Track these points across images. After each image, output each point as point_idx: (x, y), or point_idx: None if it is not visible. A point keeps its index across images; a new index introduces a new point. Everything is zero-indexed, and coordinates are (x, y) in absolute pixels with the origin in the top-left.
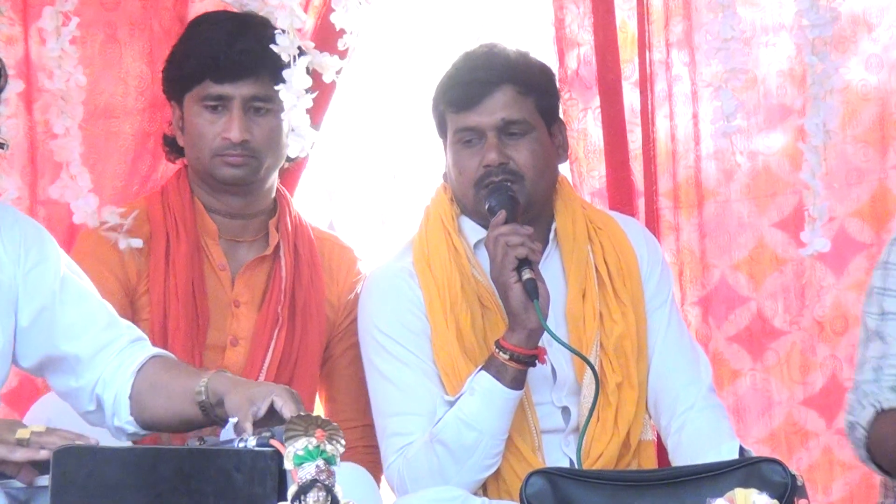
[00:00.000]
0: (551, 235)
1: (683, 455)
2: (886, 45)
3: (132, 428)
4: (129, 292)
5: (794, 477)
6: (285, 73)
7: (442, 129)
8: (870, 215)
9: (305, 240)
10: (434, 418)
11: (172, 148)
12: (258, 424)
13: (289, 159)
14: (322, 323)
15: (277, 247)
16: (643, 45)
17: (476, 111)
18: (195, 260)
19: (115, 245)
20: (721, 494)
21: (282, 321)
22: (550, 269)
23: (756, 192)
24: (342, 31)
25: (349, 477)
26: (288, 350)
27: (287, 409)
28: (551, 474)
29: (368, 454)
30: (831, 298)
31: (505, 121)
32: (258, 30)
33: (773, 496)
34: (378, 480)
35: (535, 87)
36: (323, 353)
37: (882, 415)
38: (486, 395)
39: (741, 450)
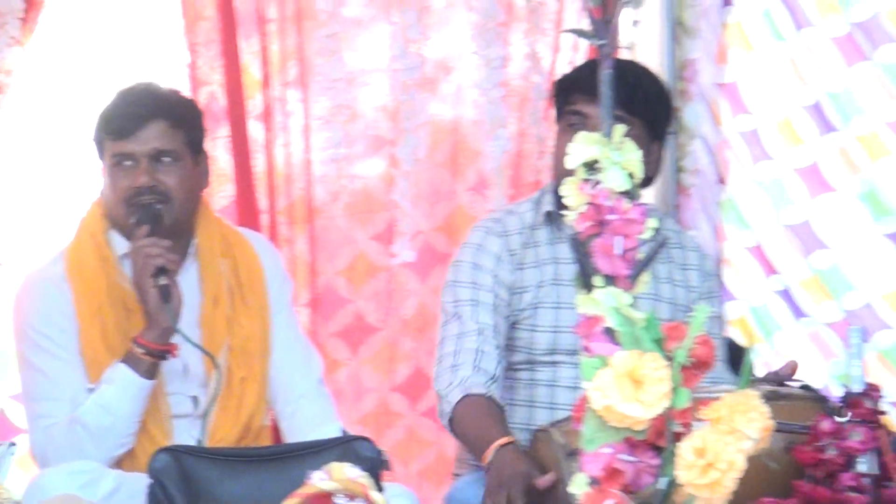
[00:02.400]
0: (191, 250)
1: (294, 436)
2: (461, 86)
3: None
4: None
5: (380, 452)
6: None
7: (101, 153)
8: (448, 230)
9: None
10: (77, 404)
11: None
12: None
13: None
14: None
15: None
16: (265, 84)
17: (132, 140)
18: None
19: None
20: (320, 468)
21: None
22: (189, 279)
23: (357, 210)
24: None
25: None
26: None
27: None
28: (175, 451)
29: None
30: (417, 301)
31: (157, 150)
32: None
33: (363, 469)
34: None
35: (185, 122)
36: None
37: (466, 398)
38: (122, 384)
39: (343, 432)
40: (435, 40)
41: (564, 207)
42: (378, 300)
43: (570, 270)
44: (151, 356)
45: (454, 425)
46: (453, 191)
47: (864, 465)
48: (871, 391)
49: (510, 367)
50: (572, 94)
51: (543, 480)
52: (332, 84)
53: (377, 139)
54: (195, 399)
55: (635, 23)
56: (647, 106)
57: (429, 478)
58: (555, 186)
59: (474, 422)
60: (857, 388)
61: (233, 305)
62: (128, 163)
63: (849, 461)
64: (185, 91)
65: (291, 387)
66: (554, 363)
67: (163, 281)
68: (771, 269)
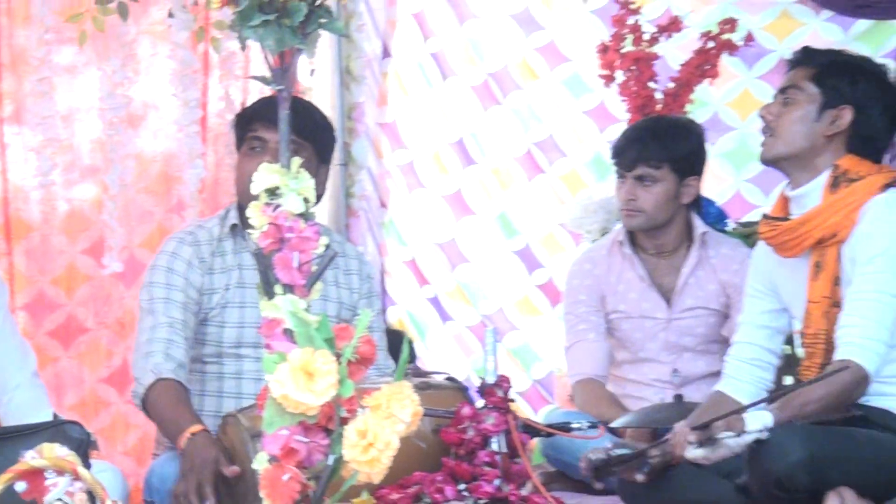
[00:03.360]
0: None
1: (10, 422)
2: (164, 123)
3: None
4: None
5: (88, 434)
6: None
7: None
8: (151, 245)
9: None
10: None
11: None
12: None
13: None
14: None
15: None
16: None
17: None
18: None
19: None
20: (32, 448)
21: None
22: None
23: (72, 228)
24: None
25: None
26: None
27: None
28: None
29: None
30: (125, 304)
31: None
32: None
33: (72, 448)
34: None
35: None
36: None
37: (158, 382)
38: None
39: (55, 417)
40: (141, 83)
41: (247, 221)
42: (90, 305)
43: (252, 275)
44: None
45: (147, 406)
46: (155, 212)
47: (496, 444)
48: (503, 382)
49: (202, 361)
50: (253, 123)
51: (230, 470)
52: (43, 120)
53: (90, 168)
54: None
55: (312, 71)
56: (315, 133)
57: (134, 456)
58: (238, 204)
59: (168, 407)
60: (491, 379)
61: None
62: None
63: (485, 441)
64: None
65: (7, 379)
66: (239, 356)
67: None
68: (423, 280)
